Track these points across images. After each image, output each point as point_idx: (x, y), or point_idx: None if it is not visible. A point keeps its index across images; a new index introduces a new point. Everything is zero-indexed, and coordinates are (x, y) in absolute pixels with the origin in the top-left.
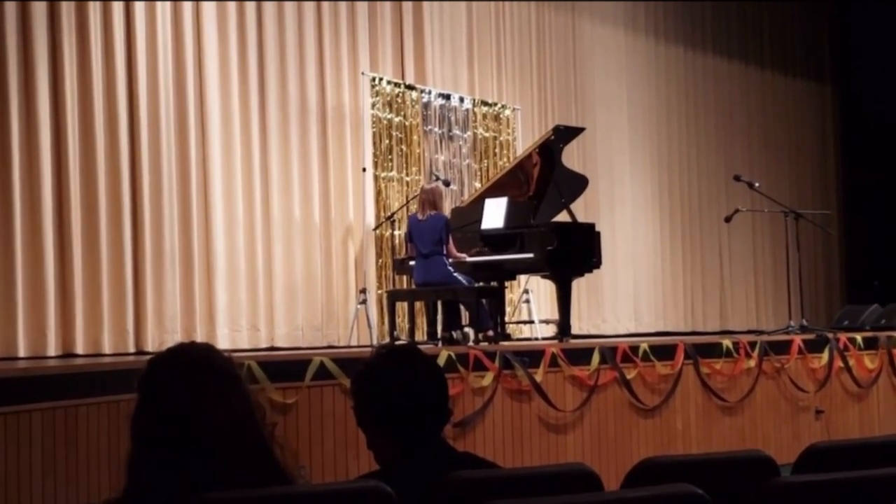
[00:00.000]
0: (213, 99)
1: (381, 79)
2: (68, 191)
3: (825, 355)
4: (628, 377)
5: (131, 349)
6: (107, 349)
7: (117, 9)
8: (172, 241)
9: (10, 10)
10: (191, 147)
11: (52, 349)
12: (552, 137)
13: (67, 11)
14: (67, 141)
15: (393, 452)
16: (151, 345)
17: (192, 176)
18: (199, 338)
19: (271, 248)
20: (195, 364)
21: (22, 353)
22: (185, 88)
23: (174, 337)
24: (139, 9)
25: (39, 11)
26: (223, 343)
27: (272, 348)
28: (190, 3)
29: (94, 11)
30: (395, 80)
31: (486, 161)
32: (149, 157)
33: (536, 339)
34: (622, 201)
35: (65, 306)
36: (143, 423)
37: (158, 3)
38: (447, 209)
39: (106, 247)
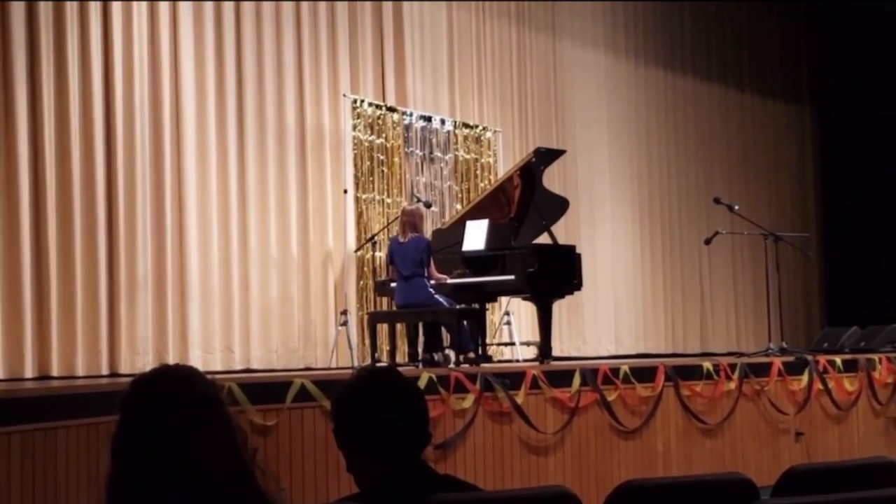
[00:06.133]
0: (189, 121)
1: (362, 101)
2: (45, 214)
3: (805, 378)
4: (609, 399)
5: (104, 371)
6: (80, 371)
7: (95, 30)
8: (146, 262)
9: None
10: (166, 169)
11: (29, 371)
12: (533, 160)
13: (46, 39)
14: (45, 167)
15: (373, 475)
16: (124, 367)
17: (166, 198)
18: (172, 359)
19: (247, 270)
20: (177, 386)
21: (0, 374)
22: (161, 110)
23: (146, 359)
24: (116, 29)
25: (18, 38)
26: (196, 365)
27: (247, 370)
28: (167, 22)
29: (71, 35)
30: (377, 102)
31: (467, 183)
32: (124, 180)
33: (517, 361)
34: (602, 223)
35: (41, 329)
36: (124, 444)
37: (135, 24)
38: (428, 231)
39: (80, 270)
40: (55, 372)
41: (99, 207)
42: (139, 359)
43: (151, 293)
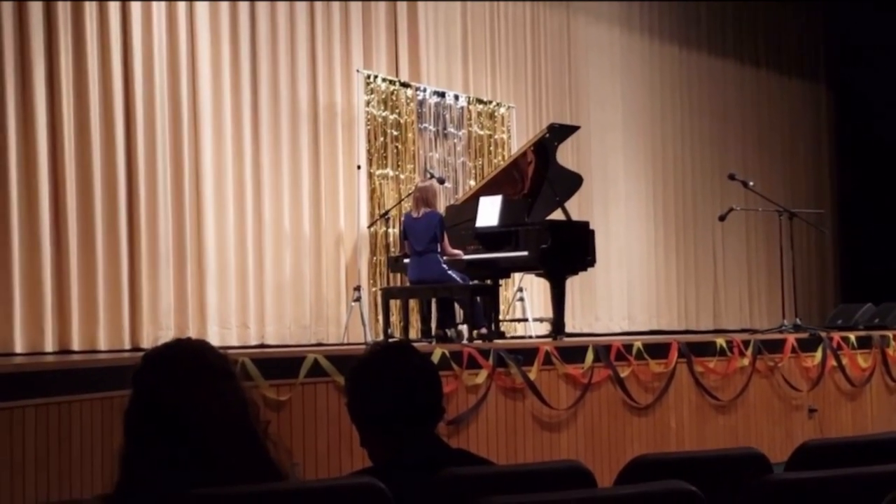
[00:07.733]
0: (205, 98)
1: (375, 76)
2: (64, 190)
3: (818, 354)
4: (622, 375)
5: (127, 345)
6: (102, 345)
7: (113, 7)
8: (167, 239)
9: (7, 10)
10: (184, 147)
11: (49, 345)
12: (547, 135)
13: (63, 14)
14: (64, 140)
15: (386, 450)
16: (146, 341)
17: (184, 176)
18: (191, 335)
19: (262, 247)
20: (189, 360)
21: (19, 349)
22: (178, 88)
23: (168, 333)
24: (135, 6)
25: (36, 16)
26: (213, 340)
27: (262, 345)
28: (184, 3)
29: (90, 11)
30: (390, 78)
31: (480, 159)
32: (144, 157)
33: (530, 337)
34: (616, 200)
35: (61, 303)
36: (136, 418)
37: (154, 4)
38: (441, 207)
39: (101, 245)
40: (76, 346)
41: (119, 182)
42: (162, 334)
43: (172, 269)
